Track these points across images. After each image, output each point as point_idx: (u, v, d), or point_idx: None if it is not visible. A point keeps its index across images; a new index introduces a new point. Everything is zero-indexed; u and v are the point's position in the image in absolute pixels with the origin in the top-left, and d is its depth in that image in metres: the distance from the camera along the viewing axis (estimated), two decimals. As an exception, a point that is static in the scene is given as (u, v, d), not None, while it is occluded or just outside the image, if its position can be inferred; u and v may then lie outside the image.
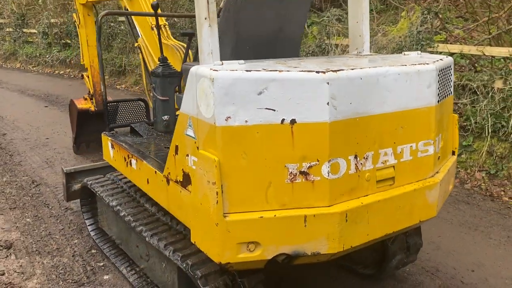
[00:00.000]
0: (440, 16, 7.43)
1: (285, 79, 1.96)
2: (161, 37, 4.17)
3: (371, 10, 9.47)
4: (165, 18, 4.66)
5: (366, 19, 2.81)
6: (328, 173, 2.06)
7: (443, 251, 3.89)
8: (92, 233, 3.97)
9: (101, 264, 3.68)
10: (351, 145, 2.12)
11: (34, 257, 3.78)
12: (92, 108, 6.04)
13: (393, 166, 2.31)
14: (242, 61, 2.16)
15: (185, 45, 4.07)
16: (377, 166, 2.24)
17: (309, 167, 2.04)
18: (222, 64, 2.10)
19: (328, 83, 1.98)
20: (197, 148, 2.13)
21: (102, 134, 3.57)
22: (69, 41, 16.38)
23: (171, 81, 3.42)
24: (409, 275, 3.53)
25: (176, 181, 2.39)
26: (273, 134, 2.00)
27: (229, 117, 1.96)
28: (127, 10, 4.65)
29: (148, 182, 2.78)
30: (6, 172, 5.83)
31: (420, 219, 2.45)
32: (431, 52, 6.57)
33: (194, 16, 2.48)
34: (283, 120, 1.99)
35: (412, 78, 2.28)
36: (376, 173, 2.25)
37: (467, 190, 5.33)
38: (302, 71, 1.99)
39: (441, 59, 2.56)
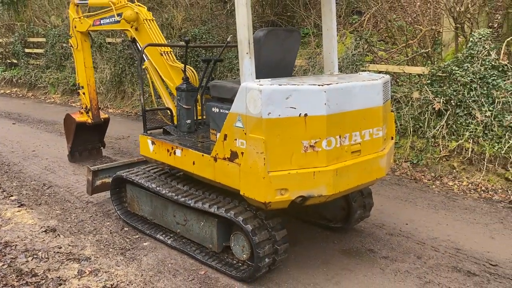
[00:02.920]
0: (368, 41, 9.22)
1: (301, 89, 3.31)
2: (169, 61, 5.37)
3: (308, 35, 11.20)
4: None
5: (335, 51, 4.25)
6: (325, 146, 3.42)
7: (385, 214, 5.40)
8: (122, 216, 5.01)
9: (137, 236, 4.74)
10: (337, 129, 3.50)
11: (78, 236, 4.75)
12: (89, 121, 6.98)
13: (360, 143, 3.72)
14: (269, 79, 3.48)
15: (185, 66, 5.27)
16: (351, 143, 3.64)
17: (315, 142, 3.39)
18: (260, 81, 3.40)
19: (325, 91, 3.35)
20: (245, 133, 3.40)
21: (140, 135, 4.66)
22: (16, 61, 16.58)
23: (192, 94, 4.63)
24: (365, 228, 4.97)
25: (224, 158, 3.63)
26: (294, 123, 3.33)
27: (270, 113, 3.27)
28: (135, 39, 5.74)
29: (194, 163, 3.97)
30: (12, 178, 6.58)
31: (376, 177, 3.88)
32: (363, 71, 8.27)
33: (218, 46, 3.73)
34: (300, 114, 3.32)
35: (369, 89, 3.73)
36: (351, 147, 3.65)
37: (397, 176, 6.96)
38: (310, 85, 3.35)
39: (383, 77, 4.05)
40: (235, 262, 3.98)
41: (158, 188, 4.39)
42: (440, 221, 5.23)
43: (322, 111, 3.36)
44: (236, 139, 3.50)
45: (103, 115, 7.19)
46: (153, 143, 4.47)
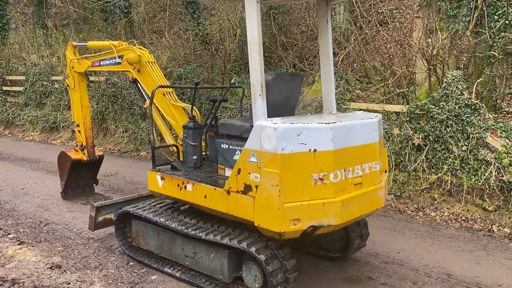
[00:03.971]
0: (348, 81, 9.80)
1: (311, 127, 3.65)
2: (171, 101, 5.65)
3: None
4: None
5: (333, 93, 4.66)
6: (333, 178, 3.73)
7: (377, 244, 5.71)
8: (127, 251, 5.11)
9: (144, 270, 4.85)
10: (342, 163, 3.83)
11: (85, 271, 4.82)
12: (85, 158, 7.09)
13: (361, 176, 4.06)
14: (279, 118, 3.80)
15: (187, 106, 5.56)
16: (354, 176, 3.97)
17: (323, 175, 3.70)
18: (272, 120, 3.72)
19: (331, 129, 3.70)
20: (259, 168, 3.68)
21: (149, 171, 4.85)
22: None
23: (199, 131, 4.91)
24: (361, 258, 5.25)
25: (237, 191, 3.88)
26: (305, 157, 3.64)
27: (283, 148, 3.57)
28: (136, 80, 6.00)
29: (205, 197, 4.20)
30: (6, 217, 6.56)
31: (376, 207, 4.21)
32: (346, 109, 8.76)
33: (225, 87, 4.05)
34: (310, 149, 3.64)
35: (367, 127, 4.10)
36: (354, 180, 3.97)
37: (382, 208, 7.30)
38: (317, 123, 3.69)
39: (377, 116, 4.45)
40: (246, 292, 4.16)
41: (167, 222, 4.57)
42: (428, 249, 5.57)
43: (329, 146, 3.69)
44: (250, 173, 3.77)
45: (97, 152, 7.32)
46: (162, 178, 4.67)
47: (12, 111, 15.63)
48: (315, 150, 3.65)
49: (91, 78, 13.53)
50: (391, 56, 10.64)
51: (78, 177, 7.41)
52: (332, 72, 4.64)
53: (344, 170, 3.84)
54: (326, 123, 3.69)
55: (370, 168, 4.16)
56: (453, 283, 4.64)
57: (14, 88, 16.00)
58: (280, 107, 4.37)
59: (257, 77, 3.78)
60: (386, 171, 4.76)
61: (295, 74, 4.58)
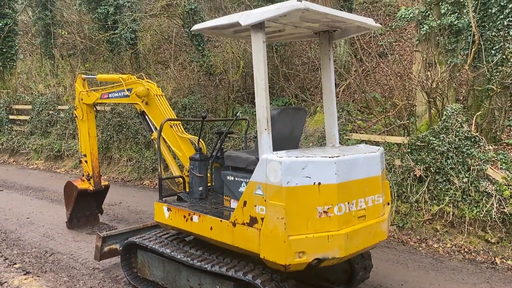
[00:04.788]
0: (349, 112, 9.98)
1: (315, 161, 3.76)
2: (178, 132, 5.79)
3: (289, 103, 11.98)
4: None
5: (336, 126, 4.80)
6: (337, 211, 3.82)
7: (380, 275, 5.73)
8: (132, 282, 5.14)
9: (148, 301, 4.88)
10: (346, 196, 3.92)
11: (90, 302, 4.85)
12: (91, 188, 7.19)
13: (364, 209, 4.15)
14: (284, 151, 3.93)
15: (193, 137, 5.71)
16: (358, 208, 4.06)
17: (328, 208, 3.79)
18: (277, 153, 3.84)
19: (335, 162, 3.81)
20: (265, 200, 3.78)
21: (155, 202, 4.94)
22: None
23: (205, 163, 5.03)
24: (364, 289, 5.28)
25: (243, 223, 3.97)
26: (310, 190, 3.74)
27: (288, 181, 3.68)
28: (145, 112, 6.17)
29: (211, 229, 4.27)
30: (12, 246, 6.61)
31: (379, 239, 4.28)
32: (348, 139, 8.90)
33: (231, 120, 4.19)
34: (314, 182, 3.75)
35: (370, 160, 4.22)
36: (357, 213, 4.06)
37: (385, 240, 7.34)
38: (322, 157, 3.81)
39: (379, 149, 4.57)
40: (251, 324, 4.18)
41: (173, 254, 4.63)
42: (432, 281, 5.59)
43: (333, 179, 3.79)
44: (256, 206, 3.87)
45: (103, 182, 7.43)
46: (169, 209, 4.76)
47: (18, 139, 15.82)
48: (319, 183, 3.75)
49: (97, 108, 13.76)
50: (391, 88, 10.86)
51: (84, 207, 7.49)
52: (334, 107, 4.79)
53: (348, 203, 3.93)
54: (330, 157, 3.80)
55: (373, 201, 4.25)
56: (457, 316, 4.65)
57: (20, 117, 16.25)
58: (284, 140, 4.50)
59: (263, 112, 3.93)
60: (388, 203, 4.85)
61: (299, 108, 4.74)
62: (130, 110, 12.70)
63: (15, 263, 5.88)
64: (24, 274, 5.52)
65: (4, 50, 17.38)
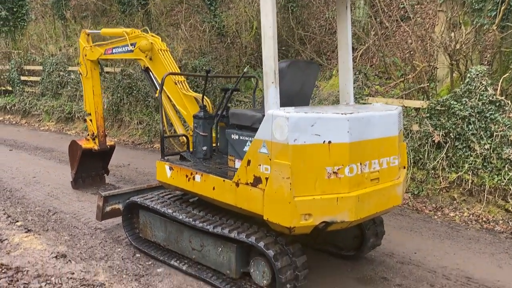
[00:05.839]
0: (367, 75, 9.53)
1: (326, 117, 3.44)
2: (183, 90, 5.49)
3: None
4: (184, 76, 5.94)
5: (351, 83, 4.44)
6: (348, 173, 3.52)
7: (393, 243, 5.47)
8: (134, 242, 4.98)
9: (150, 262, 4.72)
10: (358, 157, 3.61)
11: (90, 262, 4.71)
12: (96, 147, 7.00)
13: (378, 171, 3.84)
14: (293, 108, 3.60)
15: (198, 96, 5.41)
16: (371, 170, 3.75)
17: (338, 169, 3.49)
18: (285, 109, 3.52)
19: (348, 120, 3.49)
20: (270, 159, 3.49)
21: (157, 161, 4.70)
22: (10, 88, 16.57)
23: (209, 122, 4.74)
24: (375, 257, 5.03)
25: (247, 184, 3.70)
26: (319, 149, 3.44)
27: (296, 139, 3.38)
28: (148, 68, 5.87)
29: (214, 189, 4.03)
30: (16, 204, 6.51)
31: (393, 204, 3.99)
32: (364, 104, 8.50)
33: (236, 76, 3.84)
34: (324, 141, 3.44)
35: (386, 119, 3.88)
36: (370, 175, 3.75)
37: (399, 207, 7.06)
38: (333, 113, 3.49)
39: (397, 108, 4.21)
40: (253, 288, 3.99)
41: (175, 214, 4.42)
42: (447, 250, 5.32)
43: (345, 138, 3.48)
44: (260, 165, 3.59)
45: (109, 142, 7.23)
46: (171, 168, 4.52)
47: (29, 100, 15.72)
48: (329, 142, 3.44)
49: (107, 69, 13.51)
50: (411, 52, 10.32)
51: (89, 167, 7.33)
52: (350, 62, 4.41)
53: (360, 164, 3.63)
54: (342, 114, 3.48)
55: (388, 163, 3.93)
56: (473, 287, 4.39)
57: (31, 78, 16.10)
58: (293, 97, 4.17)
59: (270, 64, 3.59)
60: (404, 167, 4.53)
61: (311, 62, 4.37)
62: (140, 72, 12.39)
63: (17, 221, 5.77)
64: (26, 232, 5.41)
65: (14, 10, 17.10)
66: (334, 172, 3.48)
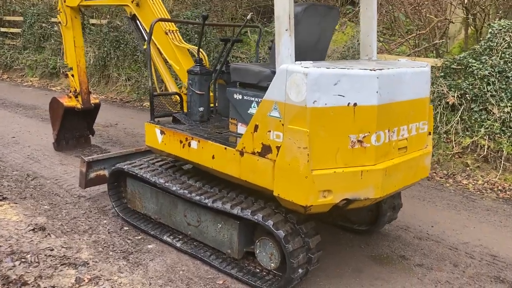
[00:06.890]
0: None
1: (352, 74, 2.83)
2: (175, 41, 4.81)
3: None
4: (176, 24, 5.22)
5: (374, 34, 3.78)
6: (375, 141, 2.96)
7: (406, 214, 5.00)
8: (121, 214, 4.44)
9: (139, 237, 4.20)
10: (387, 122, 3.04)
11: (72, 236, 4.17)
12: (79, 106, 6.33)
13: (406, 139, 3.28)
14: (310, 62, 2.97)
15: (193, 47, 4.74)
16: (399, 138, 3.19)
17: (363, 137, 2.92)
18: (301, 63, 2.89)
19: (378, 77, 2.88)
20: (282, 125, 2.90)
21: (146, 123, 4.09)
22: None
23: (206, 78, 4.09)
24: (390, 231, 4.56)
25: (253, 153, 3.13)
26: (342, 113, 2.85)
27: (315, 101, 2.78)
28: (135, 16, 5.14)
29: (213, 157, 3.45)
30: (-9, 168, 5.91)
31: (420, 177, 3.46)
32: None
33: (237, 25, 3.19)
34: (349, 103, 2.85)
35: (418, 77, 3.28)
36: (398, 143, 3.20)
37: (426, 177, 6.58)
38: (361, 69, 2.87)
39: (427, 65, 3.60)
40: (258, 270, 3.50)
41: (167, 184, 3.85)
42: (465, 223, 4.87)
43: (373, 100, 2.89)
44: (270, 131, 3.00)
45: (93, 99, 6.55)
46: (162, 132, 3.91)
47: (10, 54, 14.74)
48: (355, 104, 2.85)
49: (92, 21, 12.58)
50: (420, 5, 9.56)
51: (73, 127, 6.69)
52: (375, 8, 3.73)
53: (388, 131, 3.06)
54: (371, 70, 2.87)
55: (417, 129, 3.37)
56: (501, 267, 3.95)
57: (12, 30, 15.05)
58: (308, 49, 3.51)
59: (284, 5, 2.92)
60: (430, 133, 3.97)
61: (331, 7, 3.69)
62: (128, 24, 11.48)
63: (-9, 188, 5.20)
64: (0, 200, 4.83)
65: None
66: (358, 141, 2.91)
